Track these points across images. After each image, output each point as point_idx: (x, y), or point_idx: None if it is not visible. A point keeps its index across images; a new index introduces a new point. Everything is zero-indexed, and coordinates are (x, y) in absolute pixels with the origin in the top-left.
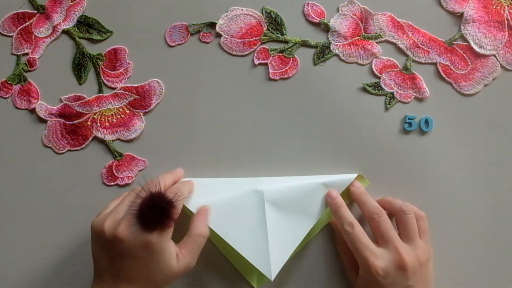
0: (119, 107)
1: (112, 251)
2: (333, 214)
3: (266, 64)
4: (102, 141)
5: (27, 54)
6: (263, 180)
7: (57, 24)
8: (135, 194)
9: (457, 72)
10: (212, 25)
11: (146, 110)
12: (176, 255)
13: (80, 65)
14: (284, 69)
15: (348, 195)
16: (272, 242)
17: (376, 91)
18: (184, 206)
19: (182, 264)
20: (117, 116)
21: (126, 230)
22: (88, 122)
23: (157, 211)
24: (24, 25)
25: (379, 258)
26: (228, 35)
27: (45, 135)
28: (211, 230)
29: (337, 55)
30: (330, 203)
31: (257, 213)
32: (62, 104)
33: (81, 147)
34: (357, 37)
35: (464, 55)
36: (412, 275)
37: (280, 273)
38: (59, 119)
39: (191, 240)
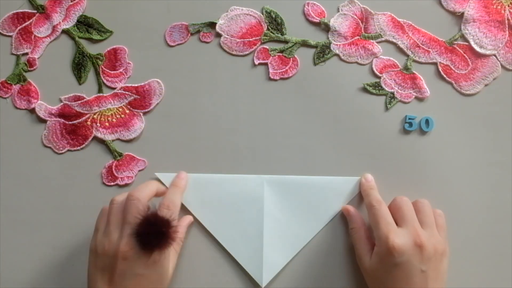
0: (119, 107)
1: (112, 271)
2: (364, 194)
3: (266, 64)
4: (102, 141)
5: (26, 54)
6: (264, 179)
7: (57, 24)
8: (118, 210)
9: (458, 72)
10: (212, 25)
11: (146, 110)
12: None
13: (80, 65)
14: (284, 69)
15: None
16: (267, 248)
17: (377, 91)
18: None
19: (171, 273)
20: (117, 116)
21: (128, 251)
22: (88, 122)
23: (155, 235)
24: (24, 24)
25: (398, 235)
26: (228, 35)
27: (45, 135)
28: (214, 228)
29: (337, 55)
30: (363, 183)
31: (255, 217)
32: (62, 104)
33: (81, 147)
34: (357, 37)
35: (465, 55)
36: (427, 260)
37: (285, 273)
38: (59, 119)
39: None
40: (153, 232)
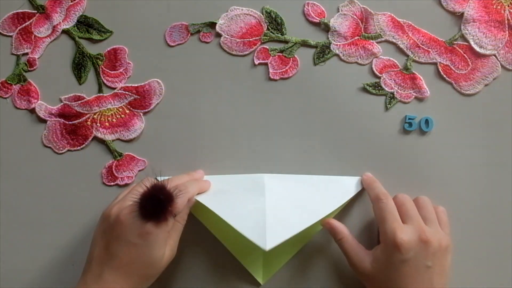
0: (119, 107)
1: (110, 235)
2: (368, 188)
3: (266, 64)
4: (102, 141)
5: (27, 54)
6: (264, 176)
7: (57, 24)
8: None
9: (458, 72)
10: (212, 25)
11: (146, 110)
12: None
13: (80, 65)
14: (284, 69)
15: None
16: (270, 216)
17: (376, 91)
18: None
19: (168, 257)
20: (117, 116)
21: (127, 215)
22: (88, 122)
23: (155, 203)
24: (24, 25)
25: (404, 232)
26: (228, 35)
27: (45, 135)
28: (212, 226)
29: (337, 55)
30: (365, 179)
31: (256, 199)
32: (62, 104)
33: (81, 147)
34: (357, 37)
35: (465, 55)
36: (432, 255)
37: (282, 273)
38: (59, 119)
39: (174, 229)
40: (153, 199)
